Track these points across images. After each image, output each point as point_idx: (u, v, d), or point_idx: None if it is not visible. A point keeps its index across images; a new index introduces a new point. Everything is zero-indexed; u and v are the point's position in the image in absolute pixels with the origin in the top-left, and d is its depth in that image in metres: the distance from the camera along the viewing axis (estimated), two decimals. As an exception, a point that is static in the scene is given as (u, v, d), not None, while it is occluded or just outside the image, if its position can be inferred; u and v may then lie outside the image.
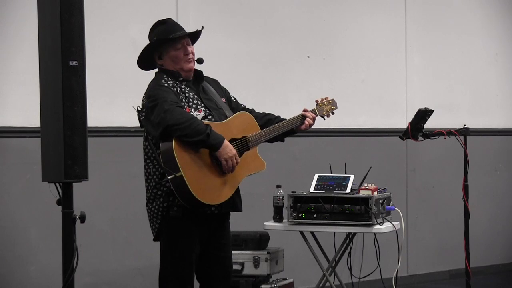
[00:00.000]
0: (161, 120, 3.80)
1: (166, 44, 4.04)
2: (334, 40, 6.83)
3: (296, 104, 6.55)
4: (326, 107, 4.45)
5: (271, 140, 4.26)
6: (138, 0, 5.91)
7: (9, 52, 5.41)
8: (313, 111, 4.36)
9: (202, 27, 4.17)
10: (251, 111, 4.28)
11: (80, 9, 3.62)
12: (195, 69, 4.14)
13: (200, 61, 4.12)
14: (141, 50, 4.08)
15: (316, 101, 4.44)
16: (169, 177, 3.77)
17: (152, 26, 4.13)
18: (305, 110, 4.33)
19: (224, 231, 4.12)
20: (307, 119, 4.28)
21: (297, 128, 4.29)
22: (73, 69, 3.59)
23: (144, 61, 4.14)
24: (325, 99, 4.46)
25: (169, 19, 4.17)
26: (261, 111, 4.35)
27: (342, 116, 6.70)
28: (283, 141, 4.37)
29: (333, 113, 4.47)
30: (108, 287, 5.71)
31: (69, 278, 3.60)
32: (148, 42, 4.14)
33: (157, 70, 4.15)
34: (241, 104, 4.30)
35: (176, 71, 4.06)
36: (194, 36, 4.17)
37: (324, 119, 4.48)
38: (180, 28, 4.11)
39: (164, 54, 4.07)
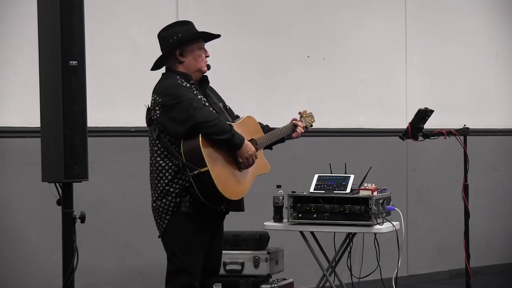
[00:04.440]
0: (190, 117, 3.87)
1: (192, 42, 4.13)
2: (334, 40, 6.82)
3: (296, 104, 6.56)
4: (308, 118, 4.64)
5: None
6: (138, 0, 5.91)
7: (9, 52, 5.41)
8: (301, 121, 4.55)
9: (219, 35, 4.29)
10: None
11: (80, 9, 3.63)
12: None
13: (207, 67, 4.21)
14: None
15: (300, 113, 4.62)
16: (195, 172, 3.84)
17: (168, 26, 4.18)
18: (294, 119, 4.51)
19: (219, 229, 4.23)
20: (298, 127, 4.47)
21: (288, 136, 4.46)
22: (73, 69, 3.59)
23: (158, 60, 4.19)
24: (305, 111, 4.65)
25: (190, 21, 4.24)
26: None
27: (342, 116, 6.72)
28: (271, 149, 4.46)
29: (311, 126, 4.66)
30: (108, 287, 5.70)
31: (69, 278, 3.60)
32: (160, 41, 4.15)
33: (163, 71, 4.19)
34: (234, 113, 4.39)
35: (187, 73, 4.12)
36: (208, 39, 4.27)
37: (306, 130, 4.60)
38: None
39: (188, 51, 4.12)
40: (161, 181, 4.01)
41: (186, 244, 4.01)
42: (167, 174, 4.00)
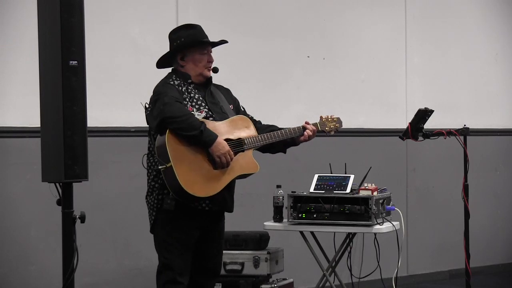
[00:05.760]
0: (159, 112, 3.93)
1: (194, 47, 4.18)
2: (334, 40, 6.82)
3: (296, 104, 6.57)
4: (330, 123, 4.54)
5: (271, 151, 4.39)
6: (138, 0, 5.91)
7: (9, 52, 5.41)
8: (314, 124, 4.45)
9: (226, 41, 4.33)
10: (257, 123, 4.38)
11: (80, 9, 3.63)
12: None
13: (215, 70, 4.24)
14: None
15: (321, 117, 4.55)
16: (160, 167, 3.91)
17: (177, 28, 4.27)
18: (306, 123, 4.42)
19: (215, 229, 4.23)
20: (307, 130, 4.37)
21: (297, 139, 4.38)
22: (73, 69, 3.59)
23: (162, 59, 4.26)
24: (330, 116, 4.56)
25: (198, 25, 4.29)
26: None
27: (342, 116, 6.69)
28: (284, 152, 4.46)
29: (336, 131, 4.56)
30: (108, 287, 5.70)
31: (69, 278, 3.60)
32: (169, 41, 4.22)
33: (169, 71, 4.26)
34: (249, 115, 4.40)
35: (187, 73, 4.17)
36: (215, 45, 4.31)
37: (327, 135, 4.55)
38: (207, 35, 4.25)
39: (188, 56, 4.19)
40: (150, 177, 4.11)
41: (167, 240, 4.07)
42: (153, 171, 4.09)
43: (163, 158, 3.92)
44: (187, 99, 4.09)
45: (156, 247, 4.15)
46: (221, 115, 4.17)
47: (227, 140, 4.08)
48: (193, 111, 4.06)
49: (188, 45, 4.16)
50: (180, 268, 4.06)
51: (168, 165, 3.89)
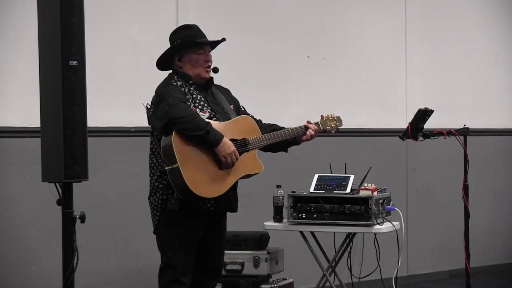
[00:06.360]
0: (165, 113, 3.93)
1: (190, 47, 4.18)
2: (334, 40, 6.82)
3: (296, 104, 6.57)
4: (331, 122, 4.56)
5: (273, 150, 4.40)
6: (138, 0, 5.91)
7: (9, 52, 5.41)
8: (316, 124, 4.47)
9: (224, 38, 4.30)
10: (258, 121, 4.38)
11: (80, 9, 3.64)
12: None
13: (215, 70, 4.24)
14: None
15: (322, 116, 4.56)
16: (166, 168, 3.90)
17: (176, 29, 4.27)
18: (308, 122, 4.43)
19: (218, 228, 4.23)
20: (309, 130, 4.39)
21: (299, 138, 4.40)
22: (73, 69, 3.60)
23: (163, 61, 4.26)
24: (331, 115, 4.58)
25: (195, 25, 4.29)
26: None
27: (342, 116, 6.69)
28: (286, 151, 4.47)
29: (337, 130, 4.58)
30: (108, 287, 5.71)
31: (69, 278, 3.61)
32: (169, 43, 4.22)
33: (170, 71, 4.26)
34: (249, 114, 4.40)
35: (187, 74, 4.17)
36: (214, 44, 4.31)
37: (328, 134, 4.56)
38: (204, 35, 4.24)
39: (185, 56, 4.19)
40: (153, 178, 4.10)
41: (170, 240, 4.07)
42: (156, 171, 4.08)
43: (169, 158, 3.91)
44: (189, 100, 4.09)
45: (159, 246, 4.15)
46: (223, 115, 4.17)
47: (231, 140, 4.08)
48: (196, 111, 4.06)
49: (184, 46, 4.17)
50: (183, 268, 4.07)
51: (174, 165, 3.89)
